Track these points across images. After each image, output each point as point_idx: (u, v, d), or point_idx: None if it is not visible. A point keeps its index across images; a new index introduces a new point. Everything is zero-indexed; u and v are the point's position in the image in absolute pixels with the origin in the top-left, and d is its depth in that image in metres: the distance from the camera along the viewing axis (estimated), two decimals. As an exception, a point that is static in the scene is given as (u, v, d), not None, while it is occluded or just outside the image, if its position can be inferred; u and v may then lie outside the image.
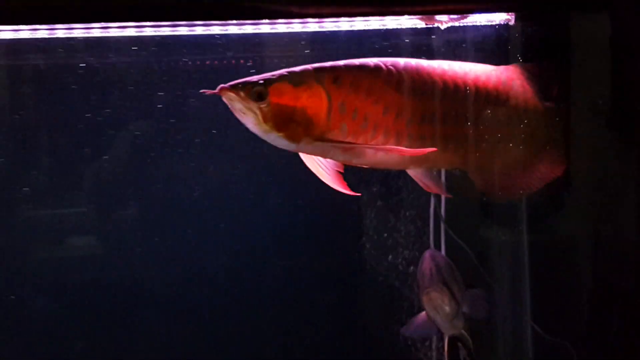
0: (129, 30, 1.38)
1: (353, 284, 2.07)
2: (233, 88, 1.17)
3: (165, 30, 1.39)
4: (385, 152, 1.20)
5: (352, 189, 1.36)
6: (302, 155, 1.27)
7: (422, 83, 1.26)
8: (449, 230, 1.74)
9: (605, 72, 1.49)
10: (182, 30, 1.39)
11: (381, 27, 1.46)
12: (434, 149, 1.23)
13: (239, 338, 2.03)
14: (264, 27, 1.42)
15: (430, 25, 1.48)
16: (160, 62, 1.55)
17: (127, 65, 1.66)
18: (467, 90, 1.29)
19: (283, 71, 1.22)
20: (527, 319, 1.79)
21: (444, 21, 1.45)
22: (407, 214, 1.89)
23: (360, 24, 1.44)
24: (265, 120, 1.15)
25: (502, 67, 1.39)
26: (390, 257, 1.95)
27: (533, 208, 1.77)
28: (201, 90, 1.22)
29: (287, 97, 1.16)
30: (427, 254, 1.64)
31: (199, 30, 1.40)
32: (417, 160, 1.25)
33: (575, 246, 1.72)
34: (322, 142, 1.18)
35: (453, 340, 1.63)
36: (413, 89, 1.24)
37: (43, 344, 1.97)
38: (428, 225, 1.79)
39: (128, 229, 1.99)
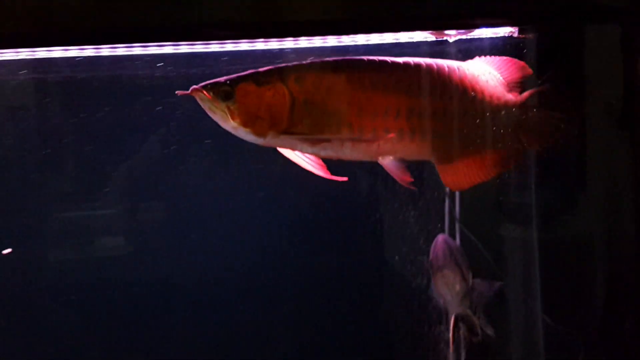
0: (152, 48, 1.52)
1: (369, 282, 2.13)
2: (203, 88, 1.27)
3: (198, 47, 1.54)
4: (350, 144, 1.30)
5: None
6: (282, 149, 1.36)
7: (384, 78, 1.33)
8: (462, 227, 1.83)
9: (617, 74, 1.56)
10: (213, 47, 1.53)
11: (394, 41, 1.56)
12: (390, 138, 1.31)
13: (265, 334, 2.11)
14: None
15: (440, 39, 1.60)
16: (183, 75, 1.66)
17: (152, 77, 1.76)
18: (431, 83, 1.36)
19: (249, 72, 1.31)
20: (538, 310, 1.85)
21: (452, 35, 1.57)
22: (423, 212, 1.96)
23: (375, 37, 1.54)
24: (232, 117, 1.26)
25: (468, 62, 1.45)
26: (406, 255, 2.03)
27: (545, 206, 1.85)
28: (176, 92, 1.32)
29: (251, 96, 1.26)
30: (440, 238, 1.75)
31: (229, 47, 1.52)
32: (385, 152, 1.33)
33: (586, 243, 1.78)
34: (287, 136, 1.28)
35: (458, 319, 1.72)
36: (374, 83, 1.32)
37: (76, 341, 2.05)
38: (443, 222, 1.90)
39: (153, 230, 2.07)
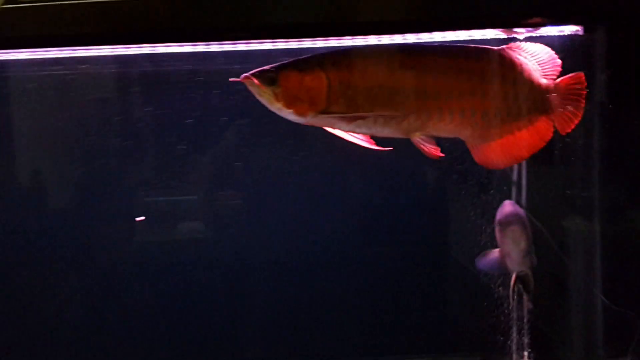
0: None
1: (437, 273, 2.25)
2: (252, 76, 1.40)
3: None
4: (382, 121, 1.41)
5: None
6: (328, 128, 1.48)
7: (414, 61, 1.44)
8: (528, 214, 1.88)
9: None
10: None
11: (468, 37, 1.62)
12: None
13: (334, 316, 2.23)
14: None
15: (510, 36, 1.66)
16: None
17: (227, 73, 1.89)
18: (460, 66, 1.46)
19: (292, 60, 1.43)
20: (598, 293, 1.93)
21: (521, 32, 1.63)
22: (489, 204, 2.01)
23: (450, 35, 1.60)
24: (277, 100, 1.39)
25: (501, 47, 1.53)
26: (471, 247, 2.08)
27: (609, 201, 1.91)
28: (230, 79, 1.44)
29: (293, 81, 1.39)
30: (508, 202, 1.85)
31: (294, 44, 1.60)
32: (415, 129, 1.44)
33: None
34: (325, 115, 1.40)
35: (518, 277, 1.80)
36: (403, 66, 1.43)
37: (156, 316, 2.21)
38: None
39: (231, 216, 2.21)
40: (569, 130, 1.52)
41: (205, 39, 1.52)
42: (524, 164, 1.91)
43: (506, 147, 1.49)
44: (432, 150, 1.44)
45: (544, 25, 1.55)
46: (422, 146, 1.44)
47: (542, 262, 1.84)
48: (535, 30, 1.61)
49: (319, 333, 2.22)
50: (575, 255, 2.00)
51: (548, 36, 1.64)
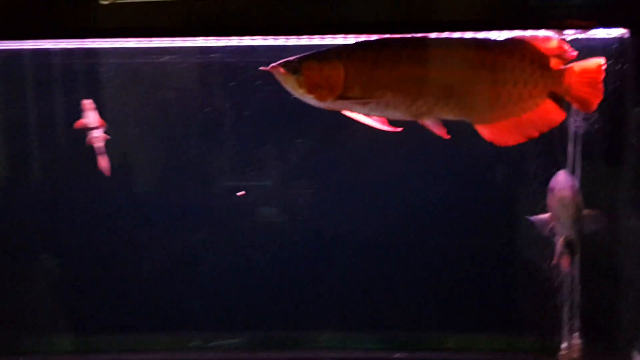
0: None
1: (495, 257, 2.37)
2: (278, 65, 1.58)
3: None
4: (392, 105, 1.58)
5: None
6: (346, 112, 1.65)
7: (420, 52, 1.60)
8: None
9: None
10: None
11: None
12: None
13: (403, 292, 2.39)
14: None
15: (560, 37, 1.80)
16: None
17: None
18: (464, 55, 1.62)
19: (314, 52, 1.60)
20: None
21: (570, 34, 1.78)
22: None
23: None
24: (300, 87, 1.57)
25: (508, 38, 1.66)
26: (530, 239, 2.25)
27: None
28: (260, 68, 1.62)
29: (314, 70, 1.57)
30: (562, 171, 1.99)
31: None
32: (423, 113, 1.61)
33: None
34: (342, 100, 1.58)
35: (565, 242, 1.94)
36: (410, 57, 1.59)
37: (235, 290, 2.40)
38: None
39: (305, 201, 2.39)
40: (589, 112, 1.65)
41: (287, 33, 1.70)
42: (579, 162, 2.05)
43: (514, 128, 1.64)
44: (440, 131, 1.61)
45: (594, 27, 1.69)
46: (431, 127, 1.61)
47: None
48: (583, 32, 1.75)
49: (387, 306, 2.40)
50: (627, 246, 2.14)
51: (596, 38, 1.79)
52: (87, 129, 2.21)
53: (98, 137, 2.20)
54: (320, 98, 1.59)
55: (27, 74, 2.32)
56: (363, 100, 1.58)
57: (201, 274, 2.41)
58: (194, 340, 2.38)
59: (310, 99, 1.60)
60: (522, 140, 1.65)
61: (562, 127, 1.93)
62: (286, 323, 2.41)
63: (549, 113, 1.64)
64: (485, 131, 1.65)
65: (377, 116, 1.64)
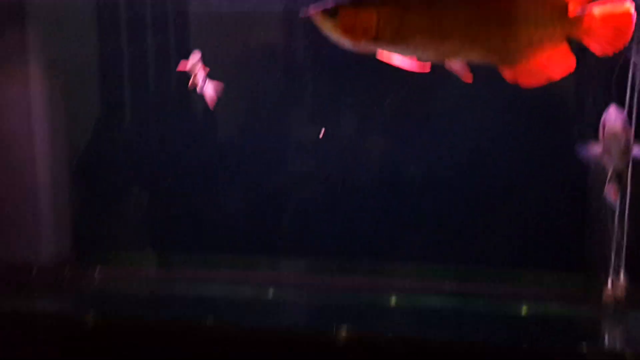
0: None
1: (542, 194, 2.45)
2: (317, 10, 1.67)
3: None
4: (422, 47, 1.66)
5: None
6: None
7: None
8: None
9: None
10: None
11: None
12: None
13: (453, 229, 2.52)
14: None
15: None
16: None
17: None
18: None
19: None
20: None
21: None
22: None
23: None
24: (336, 30, 1.68)
25: None
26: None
27: None
28: (299, 15, 1.73)
29: (349, 15, 1.67)
30: (613, 105, 2.04)
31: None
32: (451, 54, 1.68)
33: None
34: (375, 42, 1.67)
35: (615, 174, 2.02)
36: (438, 2, 1.66)
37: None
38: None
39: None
40: (609, 54, 1.69)
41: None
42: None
43: (535, 70, 1.67)
44: (466, 74, 1.69)
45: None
46: (456, 70, 1.69)
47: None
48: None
49: (441, 237, 2.55)
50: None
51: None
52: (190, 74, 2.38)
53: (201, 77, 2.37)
54: (355, 40, 1.72)
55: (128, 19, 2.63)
56: (394, 42, 1.70)
57: (281, 203, 2.64)
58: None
59: (346, 42, 1.73)
60: (543, 82, 1.72)
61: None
62: (370, 252, 2.57)
63: (568, 57, 1.72)
64: (507, 73, 1.74)
65: (408, 56, 1.76)
